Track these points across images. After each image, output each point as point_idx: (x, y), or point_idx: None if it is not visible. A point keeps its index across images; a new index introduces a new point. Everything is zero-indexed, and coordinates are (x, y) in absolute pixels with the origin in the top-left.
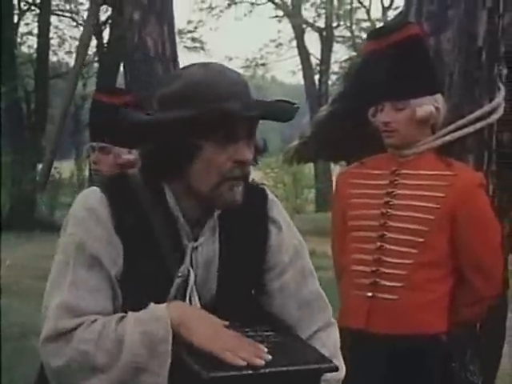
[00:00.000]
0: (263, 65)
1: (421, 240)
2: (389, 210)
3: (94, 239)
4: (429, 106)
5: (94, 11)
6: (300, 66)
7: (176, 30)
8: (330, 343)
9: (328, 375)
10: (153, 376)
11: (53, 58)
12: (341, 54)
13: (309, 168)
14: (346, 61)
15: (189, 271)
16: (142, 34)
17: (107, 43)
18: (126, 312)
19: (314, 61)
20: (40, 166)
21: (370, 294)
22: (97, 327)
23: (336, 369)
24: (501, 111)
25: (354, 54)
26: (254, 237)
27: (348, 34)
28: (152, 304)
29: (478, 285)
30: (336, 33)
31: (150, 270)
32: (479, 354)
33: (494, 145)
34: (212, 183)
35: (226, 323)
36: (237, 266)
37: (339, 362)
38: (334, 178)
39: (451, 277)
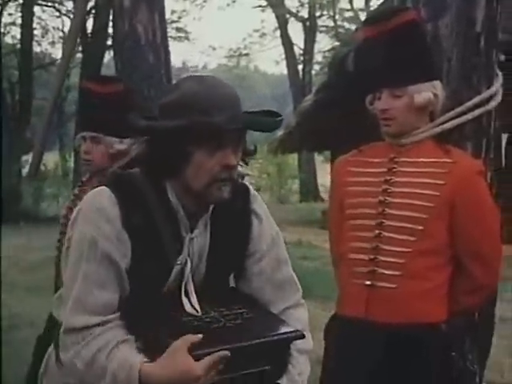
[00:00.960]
0: (246, 55)
1: (420, 228)
2: (387, 198)
3: (104, 237)
4: (427, 92)
5: (82, 0)
6: (283, 56)
7: None
8: (299, 318)
9: (299, 345)
10: None
11: (36, 49)
12: (324, 43)
13: (293, 158)
14: (329, 50)
15: (186, 260)
16: (133, 21)
17: (91, 33)
18: (131, 298)
19: (298, 51)
20: (24, 158)
21: (368, 283)
22: (93, 349)
23: (302, 336)
24: (499, 98)
25: (338, 43)
26: (238, 228)
27: (331, 23)
28: (133, 361)
29: (476, 273)
30: (319, 22)
31: (153, 259)
32: (477, 342)
33: (492, 131)
34: (203, 184)
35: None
36: (223, 254)
37: (308, 335)
38: (317, 168)
39: (450, 265)
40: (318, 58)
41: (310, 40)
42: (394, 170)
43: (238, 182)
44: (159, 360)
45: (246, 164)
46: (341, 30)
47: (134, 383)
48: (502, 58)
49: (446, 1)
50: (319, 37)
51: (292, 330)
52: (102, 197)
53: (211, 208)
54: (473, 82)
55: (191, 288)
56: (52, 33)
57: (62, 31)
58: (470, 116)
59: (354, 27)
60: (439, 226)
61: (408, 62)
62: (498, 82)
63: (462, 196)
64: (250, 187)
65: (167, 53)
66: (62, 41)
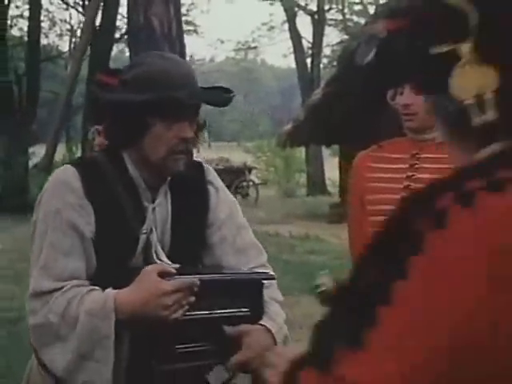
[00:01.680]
0: (254, 48)
1: None
2: None
3: (68, 206)
4: None
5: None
6: (292, 50)
7: None
8: None
9: (271, 294)
10: (97, 363)
11: (43, 41)
12: (332, 37)
13: (300, 152)
14: (337, 44)
15: (151, 228)
16: (148, 13)
17: (99, 26)
18: (100, 270)
19: (306, 44)
20: (31, 150)
21: None
22: (63, 302)
23: (273, 277)
24: None
25: (346, 37)
26: (197, 198)
27: (340, 17)
28: (106, 293)
29: None
30: (328, 16)
31: (117, 229)
32: None
33: None
34: (160, 155)
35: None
36: (185, 224)
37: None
38: (324, 162)
39: None
40: (327, 51)
41: (318, 33)
42: (416, 166)
43: (190, 157)
44: (130, 286)
45: (197, 137)
46: (349, 24)
47: (109, 314)
48: None
49: None
50: (328, 30)
51: (262, 271)
52: (65, 172)
53: (169, 179)
54: None
55: (162, 254)
56: (59, 25)
57: (70, 24)
58: None
59: (362, 21)
60: None
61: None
62: None
63: None
64: (203, 162)
65: (182, 45)
66: (69, 33)
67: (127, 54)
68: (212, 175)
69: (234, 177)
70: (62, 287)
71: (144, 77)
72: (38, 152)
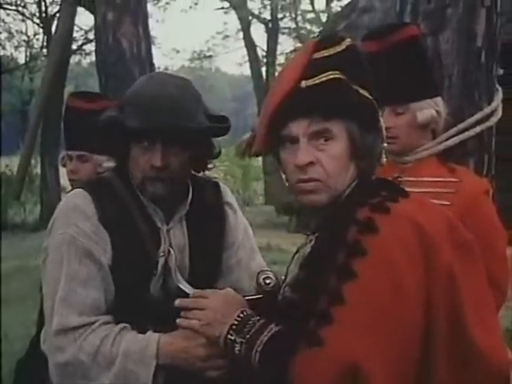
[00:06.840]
0: (210, 57)
1: None
2: None
3: (83, 234)
4: (429, 109)
5: (68, 13)
6: (247, 58)
7: None
8: None
9: None
10: None
11: (0, 53)
12: (286, 45)
13: (257, 160)
14: (291, 52)
15: (169, 250)
16: (117, 34)
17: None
18: (119, 298)
19: (261, 52)
20: None
21: None
22: (95, 341)
23: None
24: (499, 113)
25: (299, 45)
26: (214, 220)
27: (293, 25)
28: (148, 337)
29: None
30: (281, 24)
31: (134, 252)
32: None
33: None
34: (138, 180)
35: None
36: (204, 246)
37: None
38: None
39: None
40: (281, 59)
41: (272, 42)
42: None
43: (207, 178)
44: (180, 331)
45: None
46: (303, 32)
47: (150, 360)
48: (501, 72)
49: (445, 15)
50: (281, 38)
51: None
52: (76, 197)
53: (188, 203)
54: (474, 97)
55: (181, 278)
56: (16, 37)
57: (26, 35)
58: (472, 132)
59: (315, 28)
60: None
61: (409, 79)
62: (499, 96)
63: (469, 217)
64: (220, 182)
65: (152, 66)
66: (25, 44)
67: (84, 65)
68: (229, 196)
69: None
70: (89, 323)
71: (127, 100)
72: None
